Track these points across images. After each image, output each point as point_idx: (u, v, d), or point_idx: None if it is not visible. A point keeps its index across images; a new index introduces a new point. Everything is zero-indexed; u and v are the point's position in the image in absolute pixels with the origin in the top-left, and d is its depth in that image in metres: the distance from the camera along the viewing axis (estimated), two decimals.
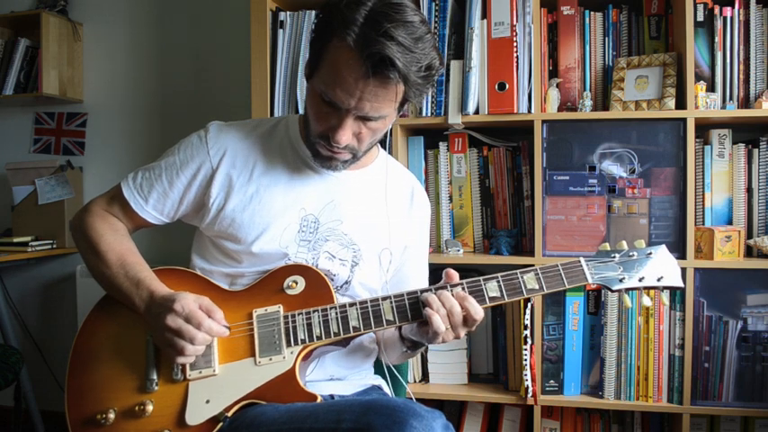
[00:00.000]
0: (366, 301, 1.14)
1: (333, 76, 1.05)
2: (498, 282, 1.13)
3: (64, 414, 1.14)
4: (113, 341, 1.18)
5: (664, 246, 1.19)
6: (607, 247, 1.20)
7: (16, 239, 2.52)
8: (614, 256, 1.17)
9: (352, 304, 1.14)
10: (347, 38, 1.01)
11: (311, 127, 1.16)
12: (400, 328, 1.24)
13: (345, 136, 1.10)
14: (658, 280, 1.16)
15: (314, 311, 1.14)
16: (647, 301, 1.18)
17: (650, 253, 1.18)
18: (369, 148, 1.19)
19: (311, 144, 1.18)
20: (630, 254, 1.18)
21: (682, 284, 1.18)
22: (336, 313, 1.13)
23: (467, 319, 1.10)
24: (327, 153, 1.16)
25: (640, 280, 1.15)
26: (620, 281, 1.15)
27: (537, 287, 1.14)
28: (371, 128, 1.12)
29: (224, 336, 1.12)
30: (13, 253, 2.46)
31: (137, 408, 1.10)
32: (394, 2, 1.03)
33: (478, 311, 1.10)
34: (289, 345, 1.13)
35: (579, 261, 1.16)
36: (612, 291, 1.16)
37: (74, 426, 1.13)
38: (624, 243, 1.20)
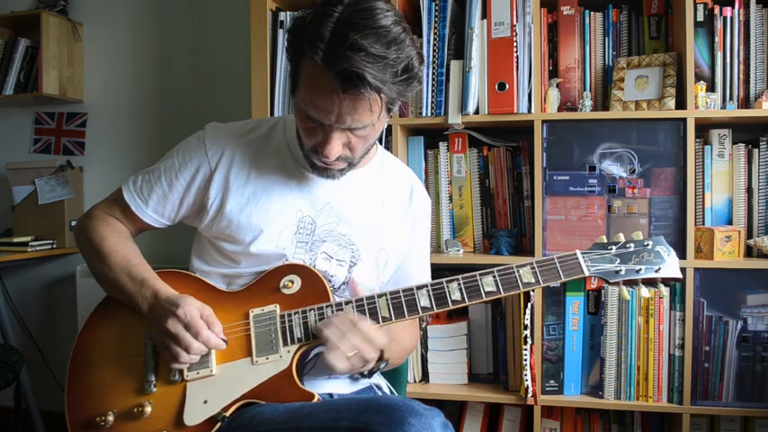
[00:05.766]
0: (362, 299, 1.14)
1: (309, 94, 1.04)
2: (494, 276, 1.13)
3: (64, 414, 1.15)
4: (112, 344, 1.18)
5: (662, 237, 1.18)
6: (604, 239, 1.18)
7: (16, 239, 2.52)
8: (611, 249, 1.16)
9: (348, 302, 1.14)
10: (315, 56, 0.99)
11: (302, 142, 1.15)
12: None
13: (334, 150, 1.09)
14: (656, 271, 1.14)
15: (310, 310, 1.14)
16: (645, 292, 1.15)
17: (648, 244, 1.16)
18: (364, 153, 1.18)
19: (306, 157, 1.17)
20: (627, 246, 1.17)
21: (680, 275, 1.16)
22: (333, 311, 1.13)
23: (369, 343, 1.09)
24: (322, 165, 1.15)
25: (638, 272, 1.14)
26: (617, 273, 1.14)
27: (533, 281, 1.13)
28: (360, 136, 1.11)
29: (220, 348, 1.12)
30: (13, 253, 2.46)
31: (135, 409, 1.10)
32: (362, 7, 1.00)
33: (373, 337, 1.09)
34: (285, 344, 1.13)
35: (575, 254, 1.15)
36: (610, 283, 1.15)
37: (74, 428, 1.13)
38: (621, 235, 1.19)
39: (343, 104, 1.02)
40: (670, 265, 1.15)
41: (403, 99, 1.08)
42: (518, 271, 1.13)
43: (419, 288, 1.13)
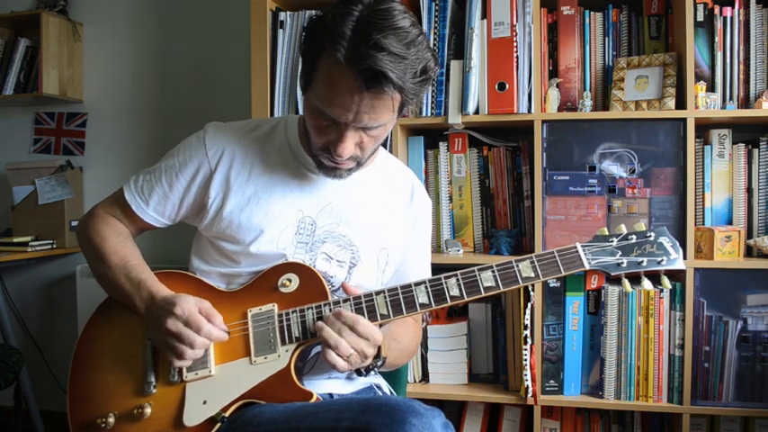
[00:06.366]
0: (360, 297, 1.13)
1: (327, 91, 1.04)
2: (493, 271, 1.12)
3: (64, 414, 1.15)
4: (113, 346, 1.18)
5: (665, 228, 1.15)
6: (605, 231, 1.16)
7: (16, 239, 2.52)
8: (612, 241, 1.14)
9: (345, 300, 1.13)
10: (337, 53, 1.00)
11: (312, 140, 1.15)
12: None
13: (348, 149, 1.10)
14: (659, 263, 1.11)
15: (308, 309, 1.14)
16: (647, 284, 1.13)
17: (650, 236, 1.13)
18: (372, 153, 1.19)
19: (314, 156, 1.17)
20: (629, 237, 1.14)
21: (683, 267, 1.12)
22: (330, 310, 1.13)
23: (368, 339, 1.08)
24: (331, 164, 1.15)
25: (640, 264, 1.11)
26: (619, 265, 1.12)
27: (533, 275, 1.11)
28: (372, 135, 1.12)
29: (223, 340, 1.12)
30: (13, 253, 2.46)
31: (135, 411, 1.10)
32: (381, 8, 1.02)
33: (372, 333, 1.08)
34: (284, 343, 1.12)
35: (575, 247, 1.13)
36: (611, 276, 1.12)
37: (75, 430, 1.14)
38: (623, 227, 1.16)
39: (363, 103, 1.03)
40: (673, 258, 1.11)
41: (417, 100, 1.10)
42: (517, 265, 1.12)
43: (417, 285, 1.12)
